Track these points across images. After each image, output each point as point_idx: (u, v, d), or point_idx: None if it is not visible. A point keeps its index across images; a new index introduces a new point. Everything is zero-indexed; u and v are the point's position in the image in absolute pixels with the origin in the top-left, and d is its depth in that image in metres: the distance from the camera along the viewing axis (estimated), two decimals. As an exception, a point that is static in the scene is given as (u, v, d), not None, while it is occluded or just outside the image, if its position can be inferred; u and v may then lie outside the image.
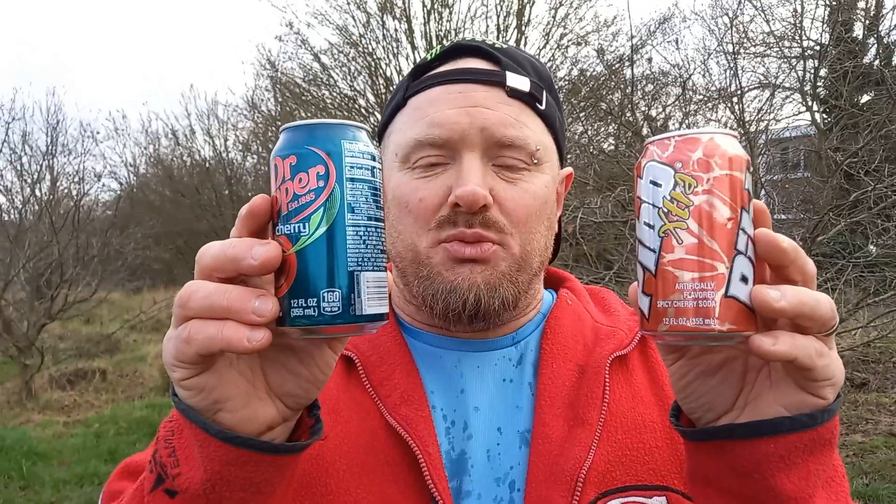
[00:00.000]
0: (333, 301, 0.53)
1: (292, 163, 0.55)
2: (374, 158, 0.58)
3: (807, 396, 0.57)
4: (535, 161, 0.82)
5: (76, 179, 10.84)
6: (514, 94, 0.82)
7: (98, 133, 14.04)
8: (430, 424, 0.79)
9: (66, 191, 10.81)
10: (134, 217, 15.22)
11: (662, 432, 0.83)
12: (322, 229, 0.54)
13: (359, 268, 0.55)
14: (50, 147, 10.34)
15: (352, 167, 0.55)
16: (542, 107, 0.85)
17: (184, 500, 0.59)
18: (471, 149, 0.79)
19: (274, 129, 13.71)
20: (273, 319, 0.53)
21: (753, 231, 0.55)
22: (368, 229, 0.56)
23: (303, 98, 12.03)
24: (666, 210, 0.55)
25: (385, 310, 0.57)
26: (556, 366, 0.85)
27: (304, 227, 0.54)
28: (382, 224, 0.58)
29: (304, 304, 0.54)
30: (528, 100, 0.83)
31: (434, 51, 0.88)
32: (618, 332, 0.89)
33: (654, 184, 0.57)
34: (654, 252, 0.56)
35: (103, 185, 16.87)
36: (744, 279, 0.54)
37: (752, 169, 0.58)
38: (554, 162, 0.87)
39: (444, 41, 10.22)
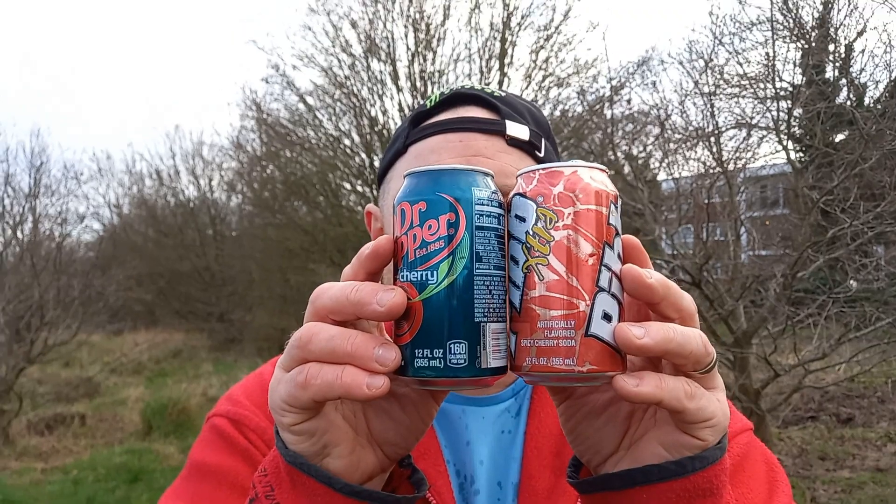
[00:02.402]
0: (460, 353, 0.52)
1: (422, 209, 0.54)
2: (500, 206, 0.56)
3: (685, 437, 0.54)
4: None
5: (58, 221, 10.78)
6: (513, 142, 0.83)
7: (81, 174, 13.97)
8: (447, 481, 0.79)
9: (47, 232, 10.74)
10: (116, 258, 15.08)
11: None
12: (450, 278, 0.52)
13: (485, 319, 0.53)
14: (33, 188, 10.31)
15: (480, 215, 0.54)
16: (541, 154, 0.86)
17: None
18: None
19: (258, 168, 13.76)
20: (395, 369, 0.52)
21: (620, 267, 0.54)
22: (494, 279, 0.54)
23: (288, 138, 12.12)
24: (529, 245, 0.54)
25: (505, 363, 0.55)
26: (544, 414, 0.85)
27: (433, 276, 0.53)
28: (505, 273, 0.56)
29: (430, 355, 0.52)
30: (528, 148, 0.84)
31: (433, 98, 0.89)
32: None
33: (519, 218, 0.55)
34: (519, 289, 0.54)
35: (86, 226, 16.75)
36: (606, 317, 0.52)
37: (619, 203, 0.56)
38: None
39: (429, 83, 10.39)
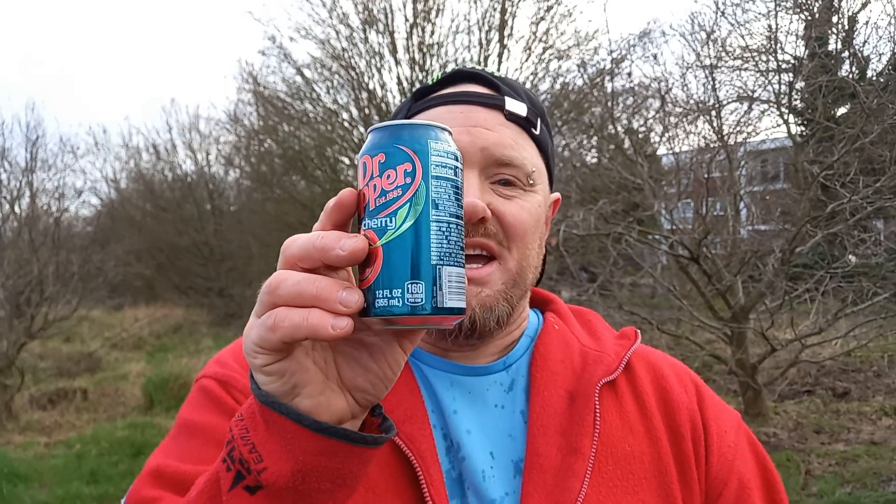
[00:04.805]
0: (417, 293, 0.55)
1: (381, 160, 0.57)
2: (456, 158, 0.60)
3: None
4: (531, 182, 0.86)
5: (56, 195, 10.74)
6: (511, 117, 0.86)
7: (78, 148, 13.92)
8: (432, 444, 0.81)
9: (45, 207, 10.70)
10: (115, 233, 15.07)
11: (651, 465, 0.85)
12: (408, 224, 0.56)
13: (441, 262, 0.57)
14: (29, 163, 10.25)
15: (437, 165, 0.58)
16: (537, 132, 0.88)
17: (269, 494, 0.60)
18: (470, 166, 0.82)
19: (256, 142, 13.69)
20: (358, 311, 0.55)
21: None
22: (450, 225, 0.58)
23: (286, 112, 12.03)
24: None
25: (463, 305, 0.59)
26: (547, 393, 0.87)
27: (391, 221, 0.56)
28: (462, 222, 0.60)
29: (389, 295, 0.56)
30: (525, 124, 0.87)
31: (435, 76, 0.91)
32: (605, 356, 0.90)
33: None
34: None
35: (83, 200, 16.67)
36: None
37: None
38: (545, 185, 0.91)
39: (428, 55, 10.28)
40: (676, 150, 7.00)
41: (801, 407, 6.30)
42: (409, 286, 0.55)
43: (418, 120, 0.60)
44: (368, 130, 0.60)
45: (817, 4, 6.59)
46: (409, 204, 0.56)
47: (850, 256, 5.31)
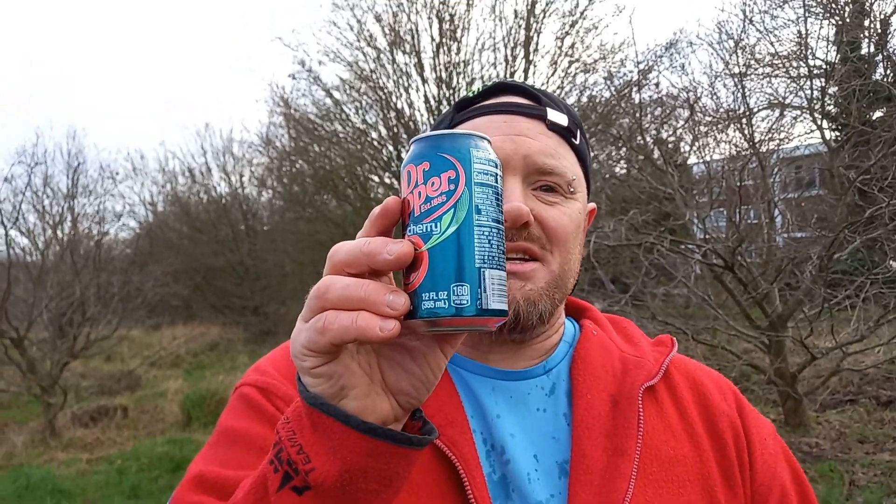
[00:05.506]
0: (463, 294, 0.57)
1: (425, 168, 0.59)
2: (496, 166, 0.62)
3: None
4: (571, 190, 0.88)
5: (96, 220, 11.07)
6: (553, 127, 0.88)
7: (117, 174, 14.31)
8: (473, 447, 0.82)
9: (86, 231, 11.02)
10: (153, 254, 15.42)
11: (694, 468, 0.86)
12: (452, 228, 0.58)
13: (485, 265, 0.58)
14: (71, 189, 10.59)
15: (479, 172, 0.59)
16: (577, 142, 0.90)
17: (316, 494, 0.60)
18: (513, 173, 0.84)
19: (288, 163, 13.92)
20: (405, 313, 0.57)
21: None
22: (492, 230, 0.60)
23: (316, 133, 12.22)
24: None
25: (506, 307, 0.60)
26: (591, 396, 0.88)
27: (436, 227, 0.58)
28: (503, 227, 0.62)
29: (435, 297, 0.57)
30: (566, 134, 0.89)
31: (476, 88, 0.93)
32: (644, 361, 0.92)
33: None
34: None
35: (122, 224, 17.12)
36: None
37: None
38: (584, 194, 0.93)
39: (454, 73, 10.38)
40: (707, 158, 6.93)
41: (843, 416, 6.13)
42: (455, 288, 0.57)
43: (459, 130, 0.61)
44: (411, 142, 0.62)
45: (848, 9, 6.50)
46: (453, 209, 0.58)
47: (891, 261, 5.18)
